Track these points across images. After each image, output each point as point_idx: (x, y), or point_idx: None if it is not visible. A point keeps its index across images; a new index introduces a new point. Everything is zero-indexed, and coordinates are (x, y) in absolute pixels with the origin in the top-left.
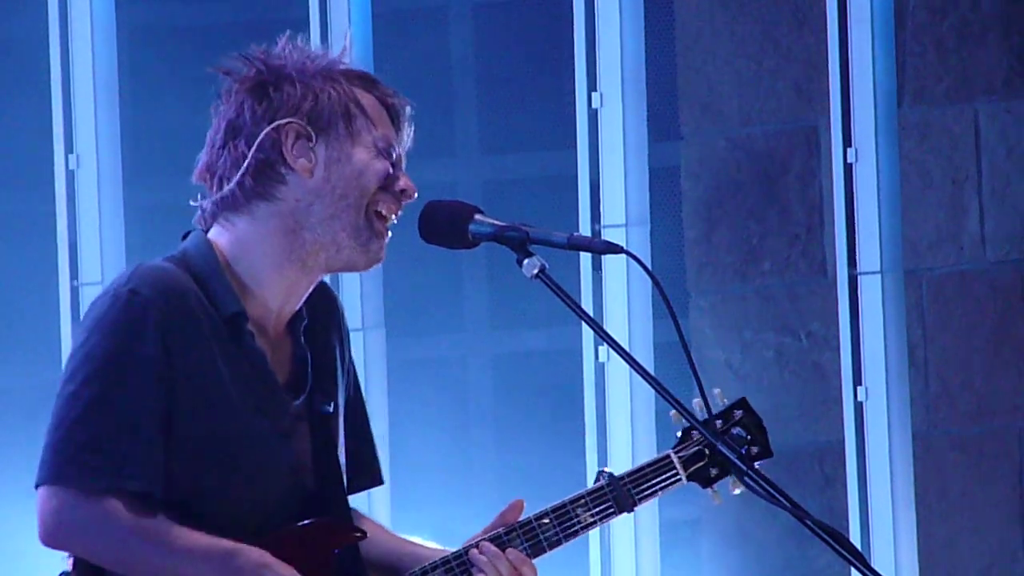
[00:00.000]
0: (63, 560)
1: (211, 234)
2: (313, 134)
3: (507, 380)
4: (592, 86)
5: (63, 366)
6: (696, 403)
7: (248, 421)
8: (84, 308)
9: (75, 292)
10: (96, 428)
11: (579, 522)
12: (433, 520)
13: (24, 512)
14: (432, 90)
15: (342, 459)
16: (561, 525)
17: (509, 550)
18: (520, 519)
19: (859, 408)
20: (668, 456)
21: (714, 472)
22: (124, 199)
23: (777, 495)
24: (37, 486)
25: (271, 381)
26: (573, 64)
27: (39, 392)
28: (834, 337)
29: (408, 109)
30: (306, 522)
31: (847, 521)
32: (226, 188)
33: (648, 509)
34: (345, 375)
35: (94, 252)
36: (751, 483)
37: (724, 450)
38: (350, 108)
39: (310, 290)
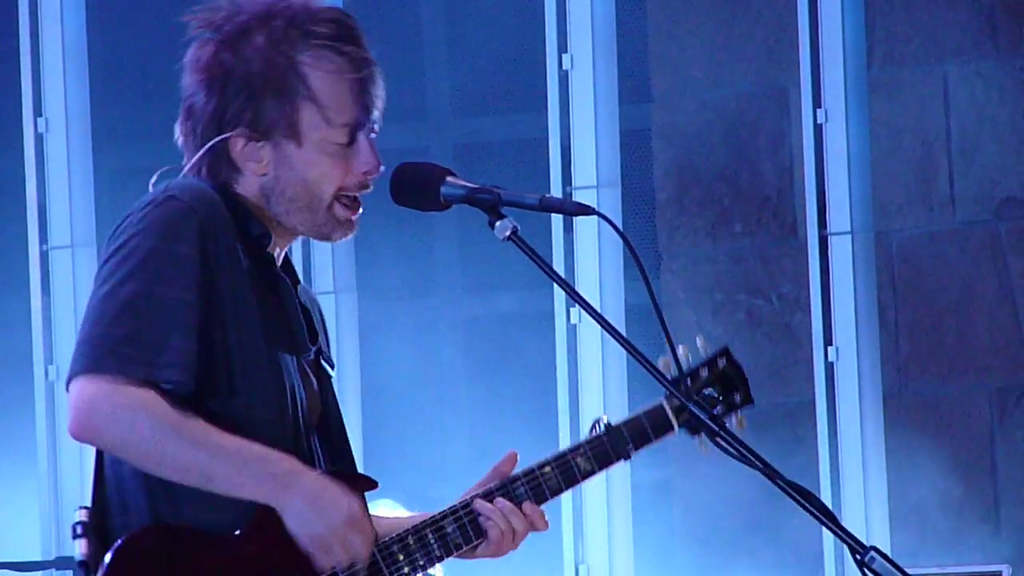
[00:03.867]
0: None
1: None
2: (259, 138)
3: (479, 343)
4: (563, 48)
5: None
6: (662, 361)
7: (271, 348)
8: (54, 273)
9: (44, 256)
10: (135, 321)
11: (579, 470)
12: (406, 484)
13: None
14: (402, 53)
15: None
16: (563, 474)
17: (525, 503)
18: (521, 469)
19: (830, 369)
20: (660, 404)
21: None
22: (93, 163)
23: (749, 455)
24: (70, 379)
25: (295, 315)
26: (543, 26)
27: (9, 358)
28: (805, 298)
29: (376, 70)
30: (332, 469)
31: (818, 481)
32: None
33: (620, 470)
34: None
35: (64, 216)
36: (723, 443)
37: (696, 410)
38: (298, 104)
39: (291, 242)
